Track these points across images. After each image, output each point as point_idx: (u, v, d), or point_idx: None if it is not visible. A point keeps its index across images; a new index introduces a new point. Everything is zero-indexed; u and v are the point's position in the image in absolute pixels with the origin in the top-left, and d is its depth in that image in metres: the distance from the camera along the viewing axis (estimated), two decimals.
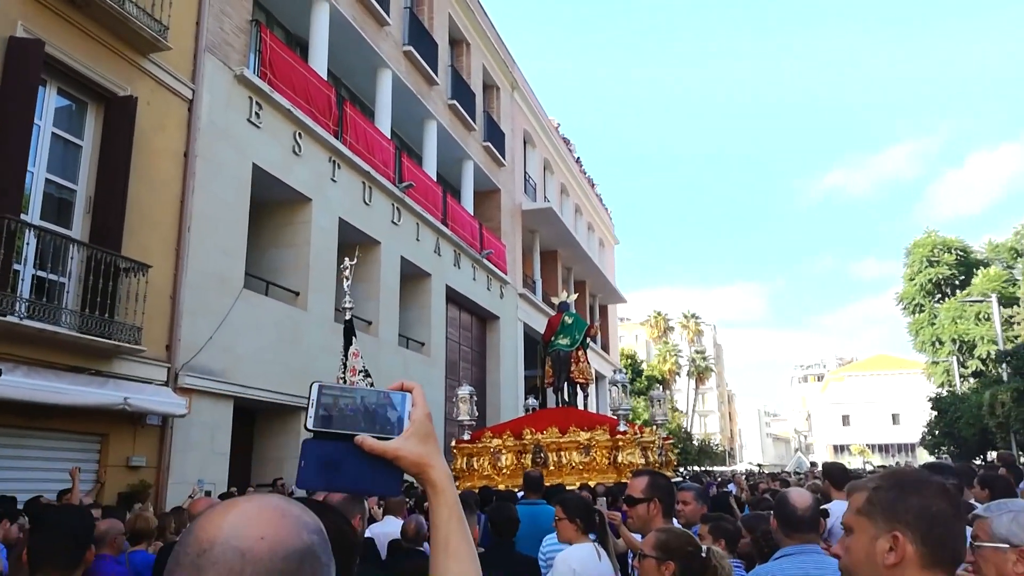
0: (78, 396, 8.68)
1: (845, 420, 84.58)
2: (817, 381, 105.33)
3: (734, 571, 3.40)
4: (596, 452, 11.09)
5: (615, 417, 12.11)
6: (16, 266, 8.41)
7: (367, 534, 6.24)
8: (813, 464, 40.27)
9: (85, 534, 2.79)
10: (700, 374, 73.92)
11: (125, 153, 9.87)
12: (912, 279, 41.05)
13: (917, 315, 40.82)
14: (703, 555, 2.60)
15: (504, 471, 11.46)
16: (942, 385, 37.95)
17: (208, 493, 9.68)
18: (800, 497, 3.33)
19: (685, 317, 79.04)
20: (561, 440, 11.34)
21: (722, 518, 4.74)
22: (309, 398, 1.16)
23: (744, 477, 21.85)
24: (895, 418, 79.25)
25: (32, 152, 8.99)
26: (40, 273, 8.84)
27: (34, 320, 8.30)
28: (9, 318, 7.98)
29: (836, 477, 6.21)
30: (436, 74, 20.02)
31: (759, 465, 49.14)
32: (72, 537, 2.73)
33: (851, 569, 1.63)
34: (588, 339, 14.79)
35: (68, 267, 9.04)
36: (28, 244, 8.65)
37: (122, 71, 10.14)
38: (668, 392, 67.83)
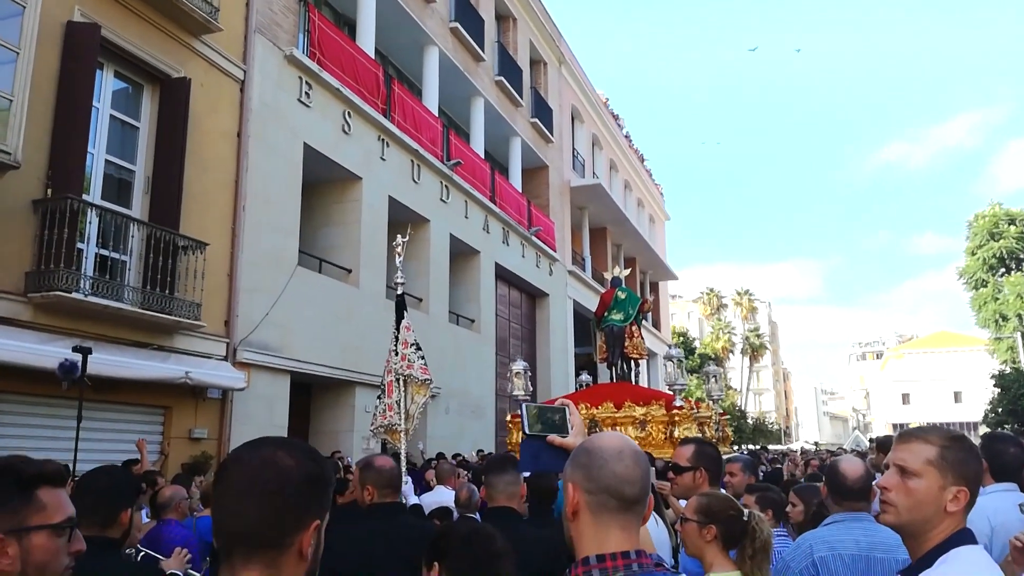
0: (143, 370, 8.97)
1: (905, 398, 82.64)
2: (876, 359, 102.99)
3: (778, 539, 3.36)
4: (652, 427, 11.02)
5: (671, 392, 12.02)
6: (80, 245, 8.70)
7: (416, 501, 6.37)
8: (872, 441, 39.49)
9: (120, 493, 2.77)
10: (754, 352, 72.84)
11: (180, 134, 10.10)
12: (974, 253, 39.72)
13: (980, 290, 39.53)
14: (745, 519, 2.58)
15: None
16: (1005, 362, 36.79)
17: None
18: (851, 466, 3.28)
19: (739, 294, 77.78)
20: (616, 415, 11.31)
21: (769, 488, 4.69)
22: (522, 415, 1.88)
23: (799, 455, 21.47)
24: (957, 396, 77.14)
25: (92, 134, 9.25)
26: (103, 251, 9.13)
27: (98, 297, 8.58)
28: (75, 295, 8.26)
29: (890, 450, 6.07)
30: (483, 50, 19.97)
31: (815, 443, 48.33)
32: (107, 493, 2.72)
33: (910, 508, 1.87)
34: (641, 315, 14.67)
35: (129, 245, 9.31)
36: (90, 223, 8.93)
37: (175, 53, 10.35)
38: (722, 370, 67.20)
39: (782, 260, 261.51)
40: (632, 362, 14.45)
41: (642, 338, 14.44)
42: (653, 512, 3.87)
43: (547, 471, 1.97)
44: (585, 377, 15.34)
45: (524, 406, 1.88)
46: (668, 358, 13.22)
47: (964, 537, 1.86)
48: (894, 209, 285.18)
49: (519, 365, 12.58)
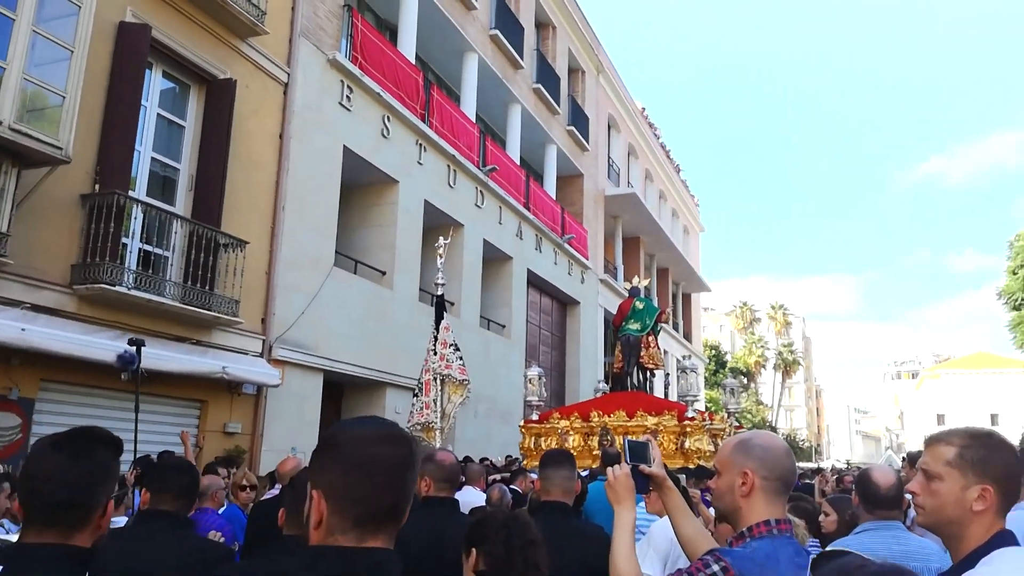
0: (182, 364, 9.16)
1: (940, 419, 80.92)
2: (911, 378, 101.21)
3: (810, 550, 3.38)
4: (663, 437, 11.00)
5: (684, 403, 12.00)
6: (124, 239, 8.92)
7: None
8: (904, 459, 38.73)
9: (195, 478, 3.00)
10: (787, 367, 72.02)
11: (225, 134, 10.31)
12: (1015, 272, 38.85)
13: (1020, 311, 38.69)
14: None
15: (571, 452, 11.49)
16: None
17: None
18: (883, 475, 3.28)
19: (773, 308, 76.96)
20: (628, 424, 11.29)
21: (802, 498, 4.71)
22: (624, 448, 2.42)
23: (831, 473, 21.04)
24: (994, 419, 75.33)
25: (139, 132, 9.49)
26: (146, 246, 9.35)
27: (140, 291, 8.79)
28: (118, 288, 8.47)
29: None
30: (521, 58, 20.09)
31: (847, 462, 47.60)
32: (188, 474, 2.95)
33: (936, 510, 1.91)
34: (659, 325, 14.64)
35: (172, 241, 9.52)
36: (135, 218, 9.15)
37: (222, 55, 10.58)
38: (753, 385, 66.42)
39: (817, 274, 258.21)
40: (648, 372, 14.42)
41: (658, 348, 14.40)
42: (687, 509, 3.93)
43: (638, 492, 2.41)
44: (602, 385, 15.35)
45: (626, 441, 2.49)
46: (682, 369, 13.19)
47: (1005, 539, 1.84)
48: (933, 225, 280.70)
49: (534, 371, 12.64)
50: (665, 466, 2.47)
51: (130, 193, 9.10)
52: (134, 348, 7.23)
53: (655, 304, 14.98)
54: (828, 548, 3.30)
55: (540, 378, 12.48)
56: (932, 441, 2.00)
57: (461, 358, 6.85)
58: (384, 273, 14.18)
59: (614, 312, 25.06)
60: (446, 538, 2.94)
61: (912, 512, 4.61)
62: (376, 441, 1.33)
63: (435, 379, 6.67)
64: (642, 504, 4.73)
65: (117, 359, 7.93)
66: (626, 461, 2.36)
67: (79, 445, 1.64)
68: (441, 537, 2.96)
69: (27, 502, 1.60)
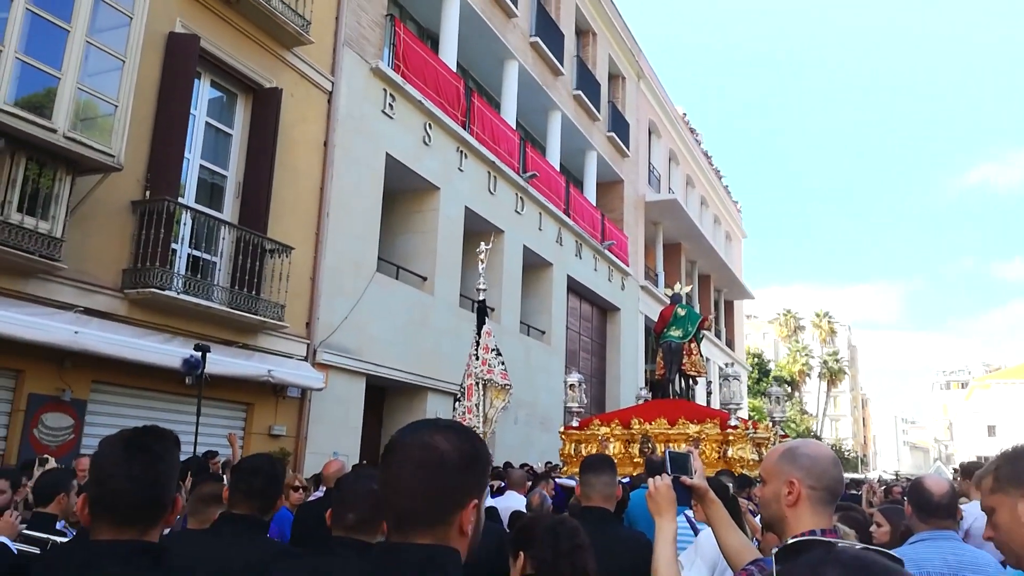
0: (229, 367, 9.32)
1: (991, 430, 78.81)
2: (961, 388, 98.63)
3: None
4: (705, 445, 10.86)
5: (727, 411, 11.83)
6: (174, 245, 9.12)
7: (490, 503, 6.46)
8: (955, 471, 37.67)
9: (278, 480, 2.99)
10: (832, 376, 70.70)
11: (271, 142, 10.49)
12: None
13: None
14: None
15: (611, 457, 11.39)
16: None
17: None
18: (936, 483, 3.20)
19: (818, 316, 75.70)
20: (670, 431, 11.17)
21: (852, 508, 4.61)
22: (665, 459, 2.41)
23: (878, 484, 20.56)
24: None
25: (188, 140, 9.70)
26: (195, 252, 9.54)
27: (190, 295, 8.97)
28: (168, 292, 8.66)
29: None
30: (562, 64, 20.10)
31: (896, 473, 46.47)
32: (271, 478, 2.95)
33: (1006, 540, 1.85)
34: (701, 332, 14.48)
35: (219, 247, 9.71)
36: (184, 224, 9.35)
37: (268, 64, 10.77)
38: (797, 394, 65.31)
39: (861, 282, 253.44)
40: (691, 379, 14.27)
41: (701, 355, 14.24)
42: (729, 520, 3.87)
43: (679, 504, 2.45)
44: (643, 392, 15.21)
45: (668, 451, 2.47)
46: (724, 377, 13.00)
47: None
48: (980, 232, 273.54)
49: (574, 377, 12.59)
50: (711, 478, 2.45)
51: (179, 200, 9.31)
52: (199, 353, 7.50)
53: (697, 311, 14.83)
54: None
55: (580, 384, 12.43)
56: (976, 481, 2.00)
57: (503, 363, 6.86)
58: (425, 279, 14.27)
59: (655, 319, 24.92)
60: None
61: (965, 523, 4.51)
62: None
63: (477, 384, 6.69)
64: (690, 513, 4.69)
65: (183, 363, 8.31)
66: (667, 472, 2.37)
67: (152, 445, 1.68)
68: None
69: (100, 501, 1.62)
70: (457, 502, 1.35)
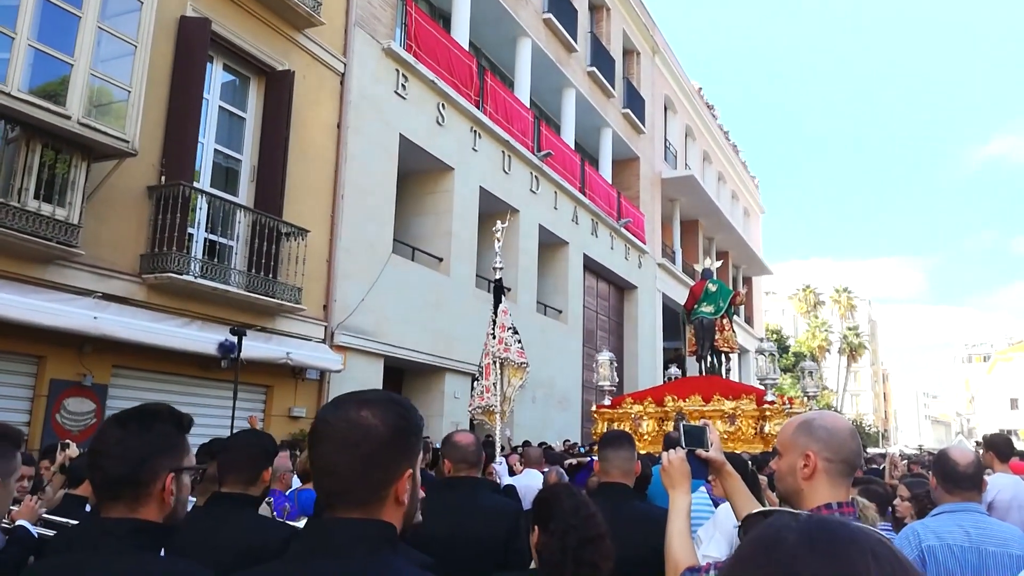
0: (248, 350, 9.30)
1: (1013, 403, 78.30)
2: (983, 361, 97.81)
3: (883, 531, 3.29)
4: (742, 421, 10.79)
5: (763, 387, 11.74)
6: (190, 229, 9.15)
7: (509, 481, 6.47)
8: (978, 443, 37.38)
9: (264, 454, 2.99)
10: (852, 351, 70.14)
11: (284, 125, 10.48)
12: None
13: None
14: None
15: (645, 437, 11.35)
16: None
17: None
18: (961, 454, 3.16)
19: (837, 291, 74.95)
20: (704, 408, 11.10)
21: (872, 481, 4.59)
22: (680, 431, 2.39)
23: (899, 457, 20.41)
24: None
25: (202, 124, 9.71)
26: (211, 236, 9.58)
27: (207, 279, 9.01)
28: (185, 277, 8.71)
29: (1000, 448, 5.73)
30: (575, 41, 19.90)
31: (920, 447, 46.15)
32: (252, 454, 2.95)
33: None
34: (733, 307, 14.35)
35: (235, 231, 9.73)
36: (200, 209, 9.38)
37: (280, 47, 10.74)
38: (817, 367, 64.89)
39: (881, 256, 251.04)
40: (723, 356, 14.16)
41: (733, 331, 14.13)
42: (748, 493, 3.86)
43: (694, 478, 2.45)
44: (674, 370, 15.13)
45: (682, 424, 2.44)
46: (760, 352, 12.88)
47: None
48: (1002, 205, 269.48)
49: (605, 355, 12.47)
50: (728, 452, 2.43)
51: (195, 184, 9.33)
52: (235, 337, 7.59)
53: (729, 287, 14.69)
54: (903, 530, 3.19)
55: (611, 363, 12.29)
56: None
57: (520, 341, 6.86)
58: (441, 260, 14.26)
59: (672, 297, 24.86)
60: (464, 516, 3.13)
61: (988, 496, 4.45)
62: None
63: (495, 362, 6.69)
64: (707, 488, 4.67)
65: (218, 347, 8.56)
66: (682, 445, 2.36)
67: (138, 420, 1.67)
68: (460, 515, 3.12)
69: (92, 477, 1.66)
70: (390, 475, 1.31)
